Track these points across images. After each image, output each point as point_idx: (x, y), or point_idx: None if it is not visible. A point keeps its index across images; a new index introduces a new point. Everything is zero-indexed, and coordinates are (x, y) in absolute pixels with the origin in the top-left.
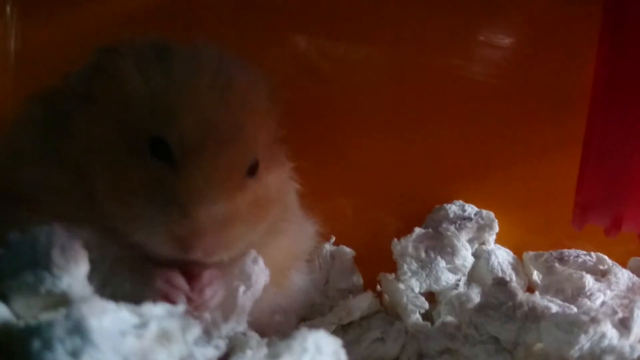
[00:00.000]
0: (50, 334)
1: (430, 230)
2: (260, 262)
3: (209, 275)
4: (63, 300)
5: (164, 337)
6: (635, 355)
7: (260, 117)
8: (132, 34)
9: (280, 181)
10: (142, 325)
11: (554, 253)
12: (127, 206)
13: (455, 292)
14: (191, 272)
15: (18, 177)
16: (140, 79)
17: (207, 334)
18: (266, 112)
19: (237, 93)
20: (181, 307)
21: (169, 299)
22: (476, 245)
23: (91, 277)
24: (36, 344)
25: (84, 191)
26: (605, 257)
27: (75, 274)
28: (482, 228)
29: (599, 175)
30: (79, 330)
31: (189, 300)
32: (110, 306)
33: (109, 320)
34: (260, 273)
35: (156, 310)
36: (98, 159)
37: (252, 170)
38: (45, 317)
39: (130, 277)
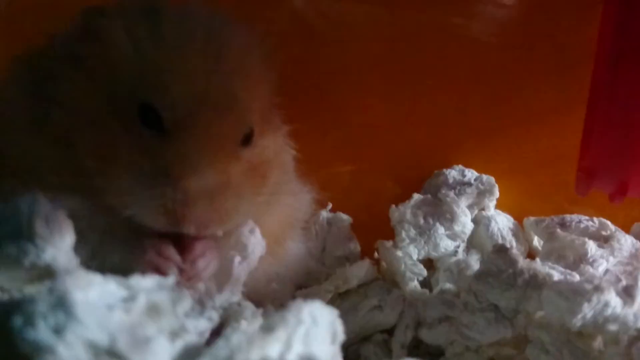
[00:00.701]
0: (33, 310)
1: (429, 196)
2: (257, 232)
3: (201, 246)
4: (48, 273)
5: (153, 310)
6: (639, 324)
7: (255, 82)
8: None
9: (275, 149)
10: (130, 298)
11: (556, 218)
12: (115, 178)
13: (454, 259)
14: (183, 242)
15: (1, 144)
16: (129, 43)
17: (201, 305)
18: (261, 77)
19: (231, 57)
20: (171, 279)
21: (160, 271)
22: (476, 211)
23: (79, 248)
24: (18, 320)
25: (71, 160)
26: (608, 222)
27: (59, 246)
28: (482, 193)
29: (604, 139)
30: (62, 304)
31: (181, 271)
32: (96, 279)
33: (95, 293)
34: (256, 244)
35: (145, 282)
36: (84, 126)
37: (247, 139)
38: (29, 290)
39: (120, 248)
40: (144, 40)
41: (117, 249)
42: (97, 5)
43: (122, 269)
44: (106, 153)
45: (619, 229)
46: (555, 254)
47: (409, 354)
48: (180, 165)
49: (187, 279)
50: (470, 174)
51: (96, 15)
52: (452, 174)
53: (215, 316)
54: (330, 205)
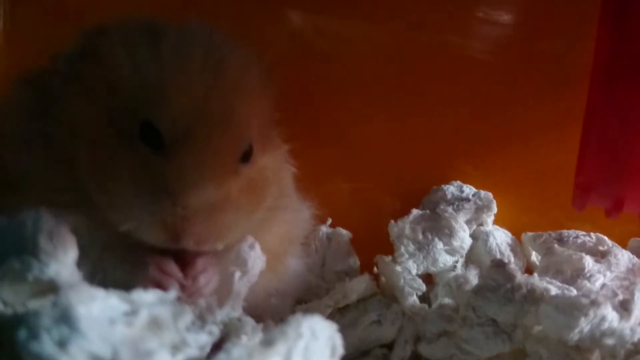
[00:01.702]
0: (37, 323)
1: (427, 211)
2: (257, 247)
3: (202, 262)
4: (51, 287)
5: (155, 324)
6: (636, 338)
7: (254, 100)
8: (121, 14)
9: (275, 166)
10: (132, 312)
11: (553, 234)
12: (115, 194)
13: (452, 274)
14: (184, 258)
15: (4, 162)
16: (129, 61)
17: (202, 320)
18: (260, 94)
19: (230, 75)
20: (173, 294)
21: (162, 287)
22: (474, 227)
23: (81, 264)
24: (22, 333)
25: (72, 177)
26: (605, 237)
27: (63, 261)
28: (480, 209)
29: (600, 155)
30: (66, 318)
31: (182, 287)
32: (99, 293)
33: (98, 307)
34: (256, 259)
35: (147, 297)
36: (85, 144)
37: (246, 156)
38: (33, 304)
39: (122, 264)
40: (144, 59)
41: (118, 265)
42: (97, 24)
43: (123, 285)
44: (106, 170)
45: (616, 244)
46: (552, 269)
47: None
48: (180, 181)
49: (188, 295)
50: (469, 189)
51: (96, 34)
52: (451, 189)
53: (216, 330)
54: (329, 221)
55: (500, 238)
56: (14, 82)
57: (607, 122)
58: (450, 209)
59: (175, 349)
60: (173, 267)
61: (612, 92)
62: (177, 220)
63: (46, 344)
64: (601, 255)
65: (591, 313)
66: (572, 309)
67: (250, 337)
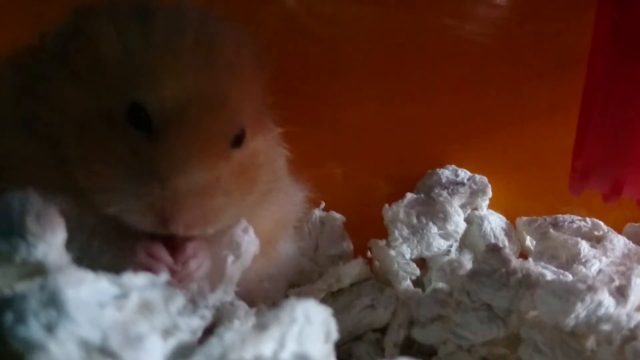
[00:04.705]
0: (24, 307)
1: (422, 195)
2: (251, 231)
3: (193, 247)
4: (39, 270)
5: (145, 308)
6: (632, 324)
7: (247, 82)
8: None
9: (267, 149)
10: (123, 295)
11: (548, 218)
12: (102, 177)
13: (447, 258)
14: (175, 243)
15: None
16: (119, 41)
17: (194, 304)
18: (252, 77)
19: (222, 57)
20: (164, 277)
21: (151, 272)
22: (469, 211)
23: (68, 248)
24: (9, 317)
25: (59, 159)
26: (601, 222)
27: (51, 242)
28: (475, 193)
29: (599, 139)
30: (54, 302)
31: (173, 272)
32: (88, 276)
33: (87, 290)
34: (250, 243)
35: (137, 280)
36: (72, 125)
37: (238, 140)
38: (20, 287)
39: (110, 249)
40: (134, 39)
41: (106, 249)
42: (87, 3)
43: (111, 270)
44: (93, 152)
45: (612, 230)
46: (547, 254)
47: (402, 353)
48: (169, 165)
49: (178, 280)
50: (464, 173)
51: (86, 13)
52: (445, 173)
53: (208, 315)
54: (323, 205)
55: (494, 222)
56: (0, 62)
57: (606, 105)
58: (444, 193)
59: (167, 333)
60: (162, 252)
61: (612, 74)
62: (165, 204)
63: (33, 328)
64: (597, 240)
65: (588, 298)
66: (568, 294)
67: (243, 321)
